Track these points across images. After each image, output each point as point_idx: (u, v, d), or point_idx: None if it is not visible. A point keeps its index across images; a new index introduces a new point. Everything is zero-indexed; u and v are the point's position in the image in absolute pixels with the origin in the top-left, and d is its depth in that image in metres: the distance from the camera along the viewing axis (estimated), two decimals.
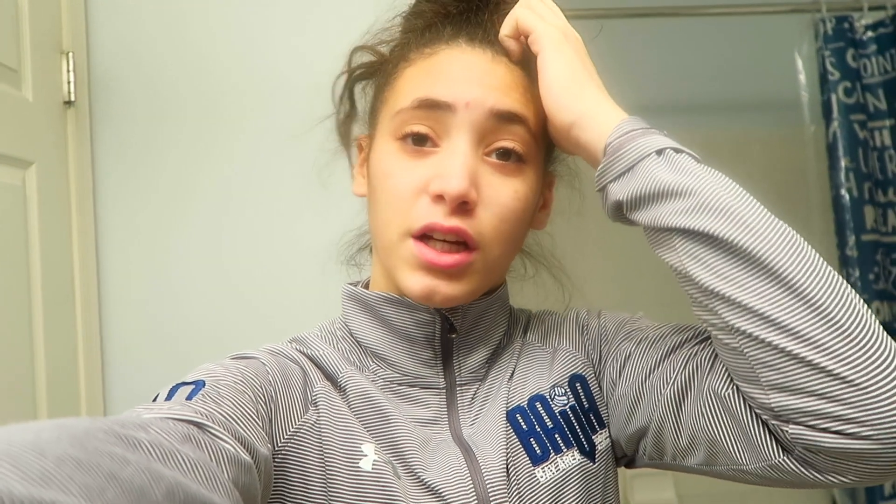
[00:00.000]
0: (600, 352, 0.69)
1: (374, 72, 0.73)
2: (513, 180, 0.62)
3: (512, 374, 0.67)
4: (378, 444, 0.59)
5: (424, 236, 0.60)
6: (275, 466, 0.56)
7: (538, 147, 0.64)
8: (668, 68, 2.33)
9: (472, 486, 0.58)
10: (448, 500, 0.57)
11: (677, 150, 0.56)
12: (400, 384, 0.64)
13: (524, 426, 0.63)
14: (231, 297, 1.36)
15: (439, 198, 0.59)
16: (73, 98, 1.33)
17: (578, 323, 0.72)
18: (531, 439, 0.63)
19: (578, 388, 0.67)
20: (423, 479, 0.58)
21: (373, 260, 0.71)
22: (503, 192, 0.61)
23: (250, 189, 1.38)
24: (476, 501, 0.58)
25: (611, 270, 2.18)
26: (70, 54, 1.33)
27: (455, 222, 0.59)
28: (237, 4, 1.41)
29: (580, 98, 0.60)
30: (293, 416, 0.58)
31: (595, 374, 0.68)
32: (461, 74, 0.61)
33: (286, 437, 0.57)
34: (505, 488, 0.59)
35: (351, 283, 0.70)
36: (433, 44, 0.64)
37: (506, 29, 0.64)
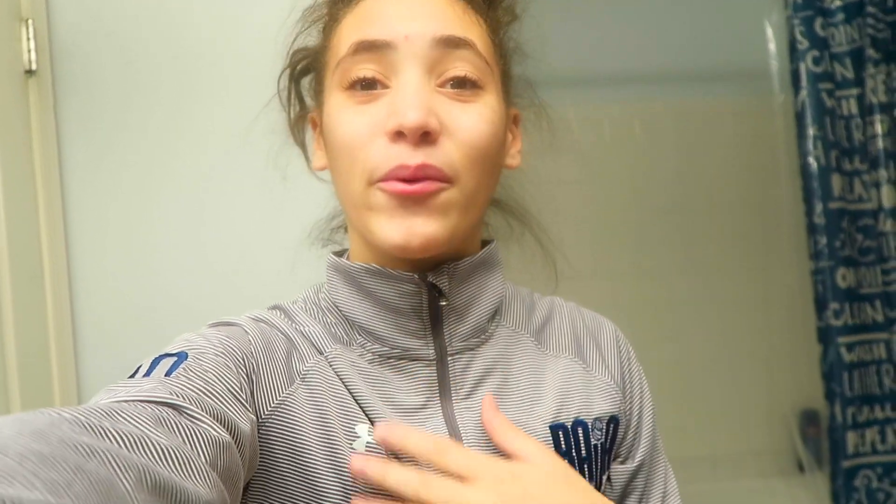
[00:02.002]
0: (628, 419, 0.69)
1: (313, 60, 0.70)
2: (474, 105, 0.59)
3: (534, 376, 0.66)
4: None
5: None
6: (259, 438, 0.55)
7: (492, 72, 0.62)
8: (639, 38, 2.32)
9: None
10: None
11: None
12: (388, 357, 0.63)
13: (563, 446, 0.63)
14: (206, 272, 1.34)
15: (398, 135, 0.56)
16: (34, 67, 1.29)
17: (619, 352, 0.71)
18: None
19: (611, 429, 0.67)
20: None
21: (349, 231, 0.69)
22: (466, 118, 0.58)
23: (228, 162, 1.35)
24: None
25: (585, 241, 2.20)
26: (30, 21, 1.29)
27: (421, 158, 0.55)
28: None
29: None
30: (277, 388, 0.57)
31: (622, 424, 0.68)
32: (394, 10, 0.58)
33: (270, 408, 0.57)
34: None
35: (335, 253, 0.68)
36: None
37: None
